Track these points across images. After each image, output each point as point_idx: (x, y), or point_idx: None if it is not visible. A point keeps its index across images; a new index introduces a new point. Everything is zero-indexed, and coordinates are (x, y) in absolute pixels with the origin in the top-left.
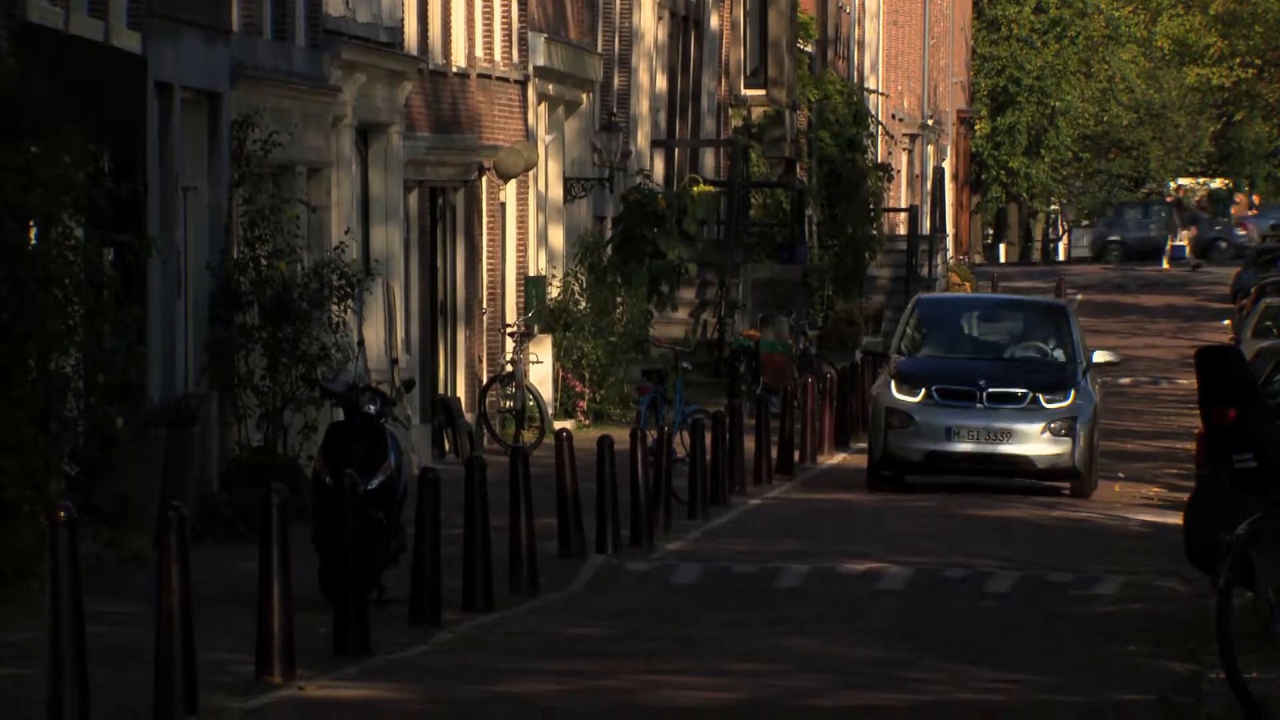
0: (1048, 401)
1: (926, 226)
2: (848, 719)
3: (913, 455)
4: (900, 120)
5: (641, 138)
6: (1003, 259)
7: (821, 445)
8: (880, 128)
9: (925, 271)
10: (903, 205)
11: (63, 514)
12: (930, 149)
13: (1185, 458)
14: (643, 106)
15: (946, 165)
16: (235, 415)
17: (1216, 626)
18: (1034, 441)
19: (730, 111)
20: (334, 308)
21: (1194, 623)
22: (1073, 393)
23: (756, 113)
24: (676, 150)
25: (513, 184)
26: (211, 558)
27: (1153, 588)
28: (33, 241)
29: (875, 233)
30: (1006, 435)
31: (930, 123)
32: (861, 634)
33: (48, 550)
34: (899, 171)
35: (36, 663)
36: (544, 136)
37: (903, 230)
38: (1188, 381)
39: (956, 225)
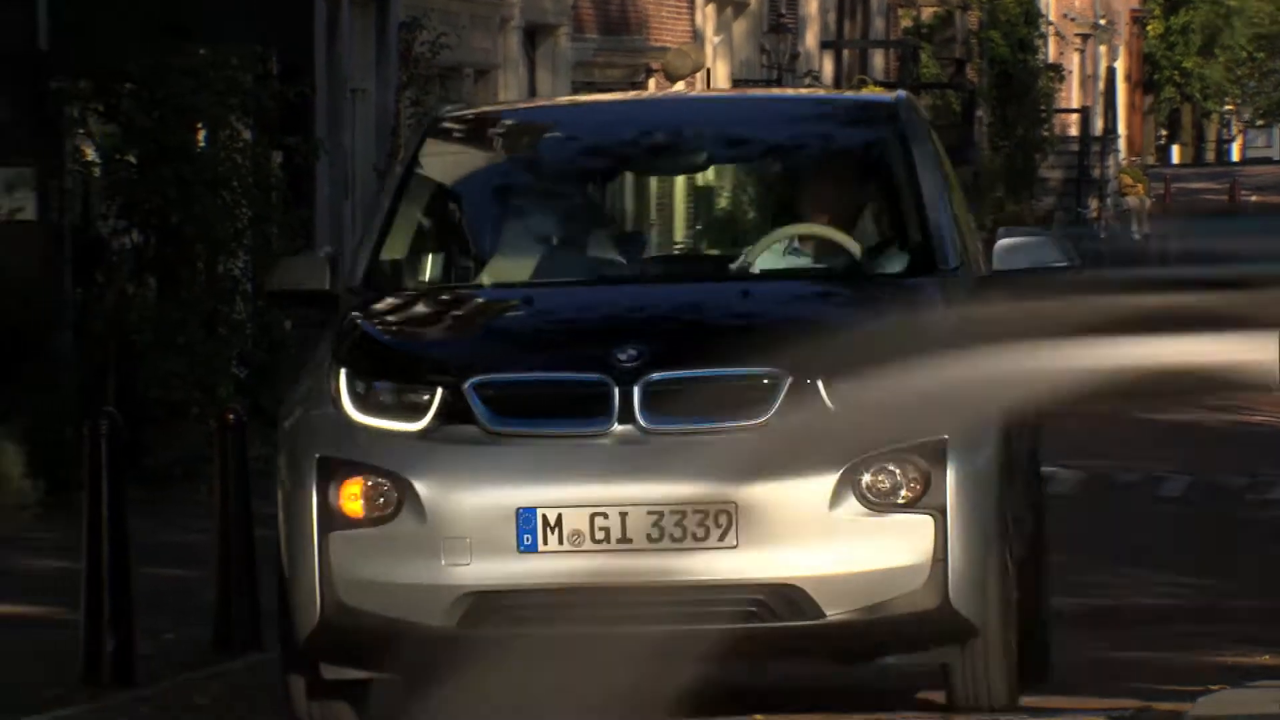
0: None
1: (1098, 128)
2: None
3: (415, 610)
4: (1072, 20)
5: (810, 38)
6: (1175, 160)
7: None
8: (1052, 28)
9: (1097, 173)
10: (1074, 106)
11: (231, 417)
12: (1103, 49)
13: None
14: (811, 6)
15: (1119, 66)
16: None
17: None
18: (810, 537)
19: (900, 12)
20: None
21: None
22: None
23: (927, 13)
24: (845, 51)
25: (681, 86)
26: None
27: None
28: (201, 145)
29: (1046, 134)
30: (715, 526)
31: (1103, 22)
32: None
33: (216, 453)
34: (1071, 72)
35: (204, 565)
36: (712, 37)
37: (1074, 132)
38: None
39: (1129, 126)
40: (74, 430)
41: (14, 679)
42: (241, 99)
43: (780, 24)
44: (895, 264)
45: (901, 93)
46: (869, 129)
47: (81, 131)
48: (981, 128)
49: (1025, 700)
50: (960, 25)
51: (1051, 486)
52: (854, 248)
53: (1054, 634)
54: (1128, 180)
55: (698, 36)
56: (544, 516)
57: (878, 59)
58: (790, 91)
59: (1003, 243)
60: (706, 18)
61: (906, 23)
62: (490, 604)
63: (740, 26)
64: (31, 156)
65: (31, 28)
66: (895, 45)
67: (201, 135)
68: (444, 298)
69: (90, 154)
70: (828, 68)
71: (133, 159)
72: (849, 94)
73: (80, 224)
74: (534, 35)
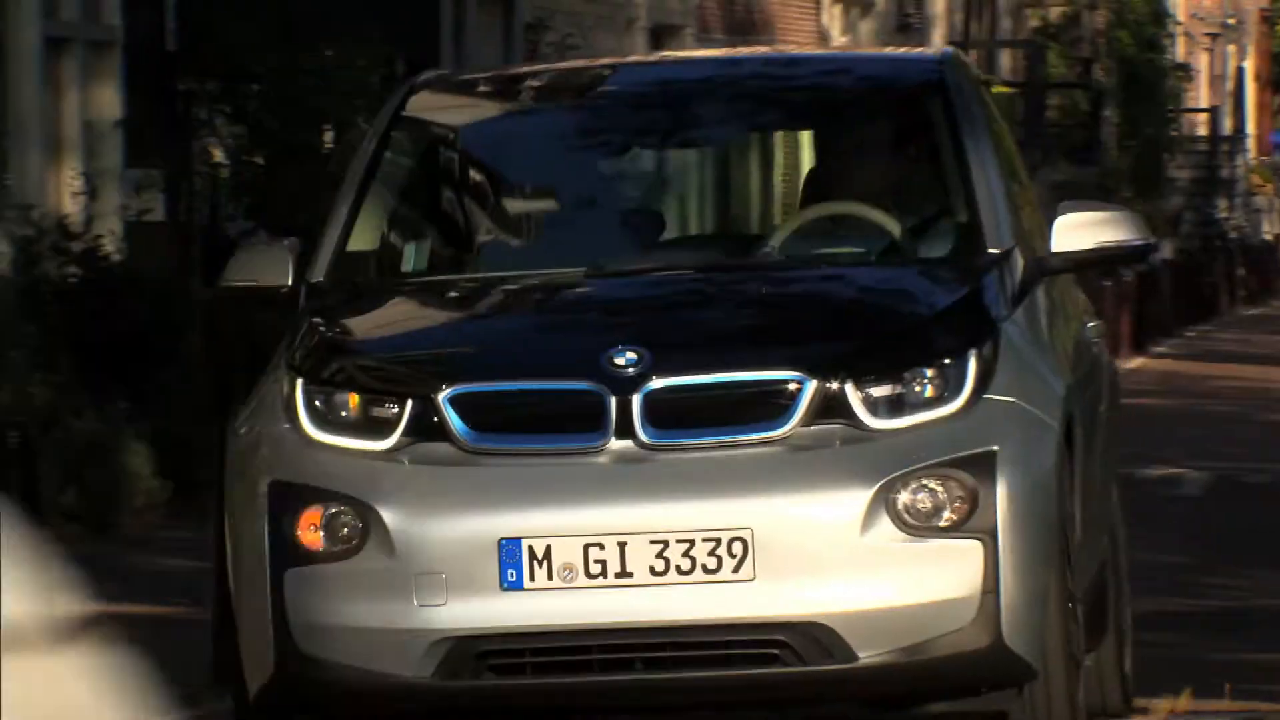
0: (883, 407)
1: (1228, 128)
2: (1142, 625)
3: (384, 659)
4: (1201, 19)
5: (938, 38)
6: None
7: (1116, 350)
8: (1180, 27)
9: (1226, 173)
10: (1203, 106)
11: None
12: (1231, 49)
13: None
14: (939, 6)
15: (1248, 65)
16: None
17: None
18: (839, 568)
19: (1028, 11)
20: None
21: None
22: (971, 372)
23: (1055, 12)
24: (973, 51)
25: None
26: None
27: None
28: (328, 145)
29: (1174, 134)
30: (729, 557)
31: (1231, 22)
32: (1157, 540)
33: None
34: (1199, 72)
35: None
36: (839, 37)
37: (1203, 131)
38: None
39: (1259, 127)
40: (203, 431)
41: (142, 678)
42: (368, 99)
43: (907, 23)
44: (939, 246)
45: (948, 49)
46: (909, 91)
47: (209, 133)
48: (1109, 127)
49: (1155, 703)
50: (1088, 24)
51: (1180, 488)
52: (892, 228)
53: (1133, 667)
54: (1257, 180)
55: (824, 36)
56: (530, 548)
57: (1005, 58)
58: (820, 50)
59: (1063, 219)
60: (833, 17)
61: (1034, 22)
62: (470, 650)
63: (867, 26)
64: (160, 158)
65: (160, 30)
66: (1022, 45)
67: (328, 135)
68: (417, 295)
69: (218, 155)
70: None
71: (260, 160)
72: (888, 51)
73: (208, 225)
74: (659, 35)
